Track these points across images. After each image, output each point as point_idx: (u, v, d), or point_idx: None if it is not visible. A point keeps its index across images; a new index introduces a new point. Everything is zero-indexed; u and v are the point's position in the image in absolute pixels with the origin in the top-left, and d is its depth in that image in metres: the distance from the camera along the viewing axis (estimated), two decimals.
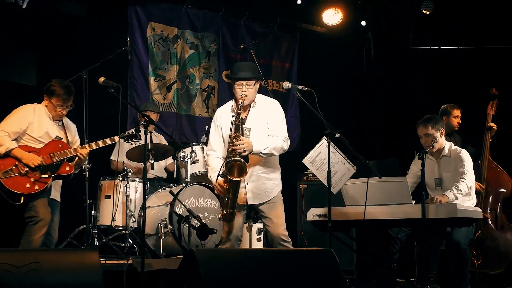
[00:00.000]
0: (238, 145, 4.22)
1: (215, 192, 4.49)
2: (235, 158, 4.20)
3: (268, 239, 4.59)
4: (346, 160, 4.61)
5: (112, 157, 6.24)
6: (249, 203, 4.43)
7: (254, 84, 4.41)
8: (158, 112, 6.53)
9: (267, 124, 4.45)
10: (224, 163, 4.22)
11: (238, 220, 4.44)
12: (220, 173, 4.24)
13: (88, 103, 5.20)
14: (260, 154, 4.35)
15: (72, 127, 5.12)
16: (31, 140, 4.82)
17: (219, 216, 4.39)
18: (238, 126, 4.29)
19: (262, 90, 4.63)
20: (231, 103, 4.56)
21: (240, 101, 4.32)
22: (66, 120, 5.06)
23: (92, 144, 4.96)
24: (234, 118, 4.32)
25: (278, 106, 4.56)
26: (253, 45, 6.75)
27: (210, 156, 4.54)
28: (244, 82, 4.37)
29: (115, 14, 6.74)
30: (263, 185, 4.43)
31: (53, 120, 4.94)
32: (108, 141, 5.04)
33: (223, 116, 4.54)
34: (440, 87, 7.43)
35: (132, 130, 5.18)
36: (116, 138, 5.05)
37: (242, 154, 4.23)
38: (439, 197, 4.76)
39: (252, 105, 4.48)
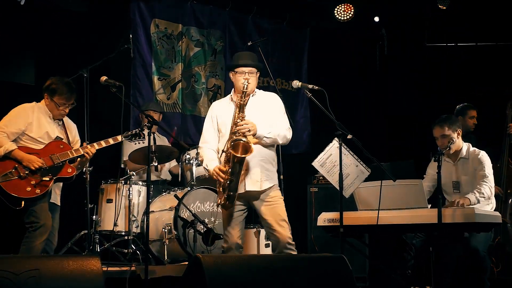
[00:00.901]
0: (242, 125, 4.17)
1: (214, 178, 4.39)
2: (239, 137, 4.16)
3: (272, 244, 4.51)
4: (359, 162, 4.54)
5: (124, 158, 6.11)
6: (247, 189, 4.33)
7: (255, 73, 4.37)
8: (160, 112, 6.45)
9: (267, 114, 4.38)
10: (229, 142, 4.17)
11: (236, 227, 4.37)
12: (225, 149, 4.14)
13: (89, 103, 5.15)
14: (264, 139, 4.29)
15: (72, 126, 5.05)
16: (31, 141, 4.73)
17: (218, 202, 4.33)
18: (243, 106, 4.22)
19: (271, 89, 4.56)
20: (228, 97, 4.52)
21: (243, 89, 4.25)
22: (66, 120, 4.98)
23: (95, 144, 4.88)
24: (238, 100, 4.27)
25: (278, 99, 4.52)
26: (261, 42, 6.63)
27: (204, 148, 4.50)
28: (246, 70, 4.32)
29: (117, 11, 6.71)
30: (260, 173, 4.34)
31: (54, 120, 4.86)
32: (111, 141, 4.96)
33: (219, 107, 4.51)
34: (457, 85, 7.40)
35: (136, 130, 5.11)
36: (119, 138, 4.98)
37: (246, 134, 4.18)
38: (460, 200, 4.66)
39: (251, 95, 4.43)
